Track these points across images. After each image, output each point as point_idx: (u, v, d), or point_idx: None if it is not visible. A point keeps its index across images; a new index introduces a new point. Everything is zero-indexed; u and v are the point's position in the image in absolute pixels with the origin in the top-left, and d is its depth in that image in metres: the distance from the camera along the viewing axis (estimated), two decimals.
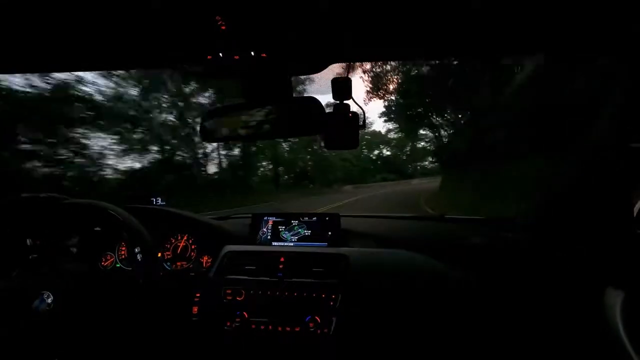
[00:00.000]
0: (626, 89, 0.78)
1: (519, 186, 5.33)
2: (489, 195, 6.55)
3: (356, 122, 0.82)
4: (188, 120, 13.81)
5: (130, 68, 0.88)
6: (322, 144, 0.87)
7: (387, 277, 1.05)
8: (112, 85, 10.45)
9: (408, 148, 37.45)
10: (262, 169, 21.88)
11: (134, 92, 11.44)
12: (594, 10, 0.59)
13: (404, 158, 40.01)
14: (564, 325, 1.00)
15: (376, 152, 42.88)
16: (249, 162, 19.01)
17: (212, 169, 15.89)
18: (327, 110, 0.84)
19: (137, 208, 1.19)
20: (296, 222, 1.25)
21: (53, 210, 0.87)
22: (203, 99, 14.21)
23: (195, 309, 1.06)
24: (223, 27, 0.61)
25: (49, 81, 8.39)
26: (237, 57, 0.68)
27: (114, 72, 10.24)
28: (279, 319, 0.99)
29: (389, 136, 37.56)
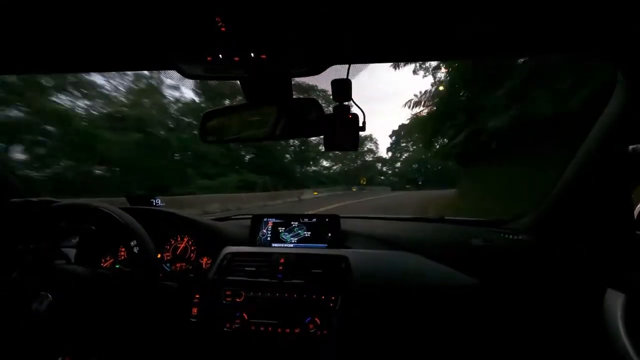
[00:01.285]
0: (626, 89, 0.78)
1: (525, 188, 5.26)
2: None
3: (356, 123, 0.82)
4: None
5: (130, 69, 0.89)
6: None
7: (387, 279, 1.05)
8: None
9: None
10: None
11: None
12: (593, 11, 0.59)
13: (290, 158, 24.90)
14: (564, 325, 1.00)
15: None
16: None
17: None
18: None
19: (137, 209, 1.19)
20: (296, 223, 1.25)
21: (50, 212, 0.87)
22: None
23: (194, 310, 1.06)
24: (223, 29, 0.61)
25: None
26: (237, 59, 0.68)
27: None
28: (278, 321, 0.99)
29: None
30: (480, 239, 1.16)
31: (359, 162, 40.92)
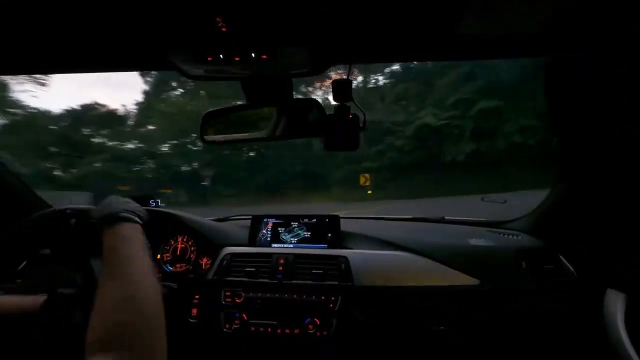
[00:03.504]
0: (625, 88, 0.78)
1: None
2: None
3: (356, 123, 0.82)
4: None
5: (130, 69, 0.88)
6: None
7: (387, 279, 1.05)
8: None
9: None
10: None
11: None
12: (593, 11, 0.59)
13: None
14: (564, 325, 1.00)
15: None
16: None
17: None
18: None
19: None
20: (296, 224, 1.25)
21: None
22: None
23: (194, 311, 1.06)
24: (224, 29, 0.61)
25: None
26: (237, 59, 0.68)
27: None
28: (278, 321, 0.99)
29: None
30: (480, 239, 1.16)
31: None
